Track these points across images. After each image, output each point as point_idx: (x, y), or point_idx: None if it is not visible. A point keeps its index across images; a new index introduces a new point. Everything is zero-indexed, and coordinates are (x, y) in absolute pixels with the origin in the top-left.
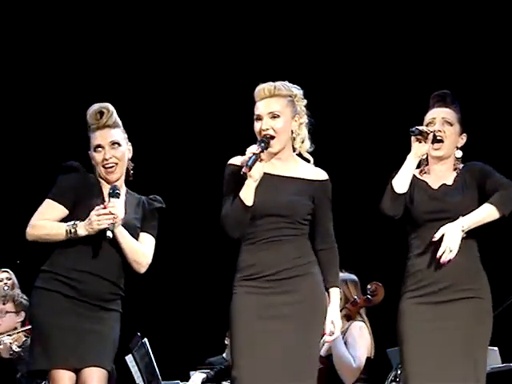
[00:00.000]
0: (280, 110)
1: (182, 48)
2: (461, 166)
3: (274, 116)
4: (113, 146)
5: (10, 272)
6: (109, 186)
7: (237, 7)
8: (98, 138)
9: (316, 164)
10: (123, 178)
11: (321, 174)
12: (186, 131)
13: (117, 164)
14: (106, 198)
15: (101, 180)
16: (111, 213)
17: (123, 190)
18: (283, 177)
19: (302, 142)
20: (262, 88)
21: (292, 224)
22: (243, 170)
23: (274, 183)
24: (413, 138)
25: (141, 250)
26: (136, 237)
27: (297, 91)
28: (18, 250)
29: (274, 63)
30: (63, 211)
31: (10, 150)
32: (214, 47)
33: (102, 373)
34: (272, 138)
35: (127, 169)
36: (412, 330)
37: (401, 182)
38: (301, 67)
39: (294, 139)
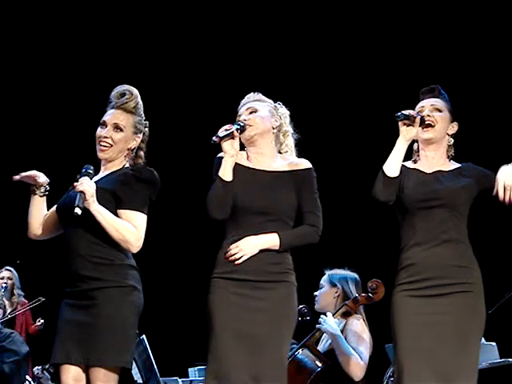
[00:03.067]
0: (258, 107)
1: (181, 47)
2: (452, 151)
3: (252, 111)
4: (115, 128)
5: (13, 272)
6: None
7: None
8: (107, 115)
9: (319, 165)
10: (120, 163)
11: (301, 164)
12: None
13: (111, 146)
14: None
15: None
16: (78, 190)
17: (121, 168)
18: (265, 171)
19: (288, 153)
20: (242, 100)
21: (276, 222)
22: (213, 138)
23: (255, 178)
24: (400, 123)
25: (124, 227)
26: (108, 206)
27: (276, 105)
28: (18, 250)
29: (267, 59)
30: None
31: (11, 151)
32: (212, 49)
33: (99, 372)
34: (248, 125)
35: (137, 156)
36: (405, 323)
37: (392, 166)
38: (296, 65)
39: (281, 145)
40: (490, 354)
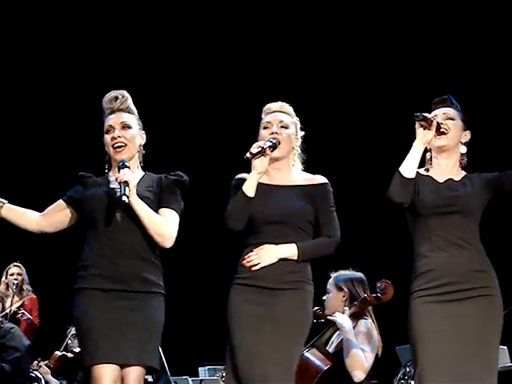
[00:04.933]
0: (289, 124)
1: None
2: (465, 160)
3: (283, 126)
4: (123, 127)
5: (22, 268)
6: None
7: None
8: (110, 120)
9: (328, 170)
10: (135, 162)
11: (318, 179)
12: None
13: (126, 145)
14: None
15: (109, 176)
16: (123, 180)
17: (139, 171)
18: (283, 186)
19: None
20: (273, 104)
21: (293, 231)
22: (247, 154)
23: (272, 192)
24: (417, 124)
25: (161, 221)
26: (154, 208)
27: (298, 120)
28: (18, 249)
29: (279, 67)
30: (60, 204)
31: (12, 150)
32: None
33: (140, 371)
34: (279, 143)
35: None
36: (426, 328)
37: (408, 167)
38: (307, 72)
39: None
40: (500, 358)
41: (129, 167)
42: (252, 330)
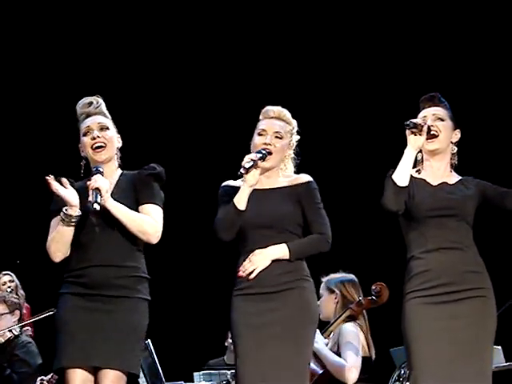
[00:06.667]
0: (284, 134)
1: (182, 55)
2: (456, 160)
3: (278, 136)
4: (101, 128)
5: (12, 275)
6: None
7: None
8: (87, 122)
9: (321, 173)
10: (114, 163)
11: (301, 178)
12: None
13: (105, 146)
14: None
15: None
16: (94, 187)
17: (117, 172)
18: (268, 189)
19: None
20: (272, 109)
21: (281, 234)
22: (240, 170)
23: (259, 197)
24: (408, 132)
25: (142, 219)
26: (134, 208)
27: (295, 125)
28: (17, 250)
29: (271, 69)
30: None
31: (11, 153)
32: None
33: (116, 375)
34: (270, 153)
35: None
36: (420, 329)
37: (401, 175)
38: (298, 73)
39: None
40: (495, 357)
41: (102, 173)
42: (257, 338)
